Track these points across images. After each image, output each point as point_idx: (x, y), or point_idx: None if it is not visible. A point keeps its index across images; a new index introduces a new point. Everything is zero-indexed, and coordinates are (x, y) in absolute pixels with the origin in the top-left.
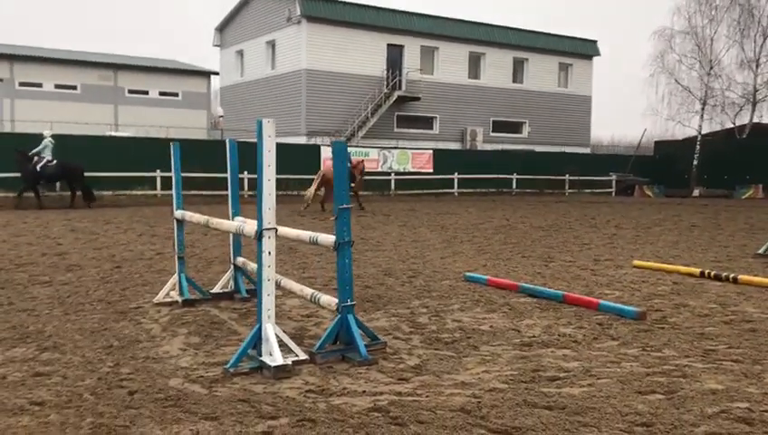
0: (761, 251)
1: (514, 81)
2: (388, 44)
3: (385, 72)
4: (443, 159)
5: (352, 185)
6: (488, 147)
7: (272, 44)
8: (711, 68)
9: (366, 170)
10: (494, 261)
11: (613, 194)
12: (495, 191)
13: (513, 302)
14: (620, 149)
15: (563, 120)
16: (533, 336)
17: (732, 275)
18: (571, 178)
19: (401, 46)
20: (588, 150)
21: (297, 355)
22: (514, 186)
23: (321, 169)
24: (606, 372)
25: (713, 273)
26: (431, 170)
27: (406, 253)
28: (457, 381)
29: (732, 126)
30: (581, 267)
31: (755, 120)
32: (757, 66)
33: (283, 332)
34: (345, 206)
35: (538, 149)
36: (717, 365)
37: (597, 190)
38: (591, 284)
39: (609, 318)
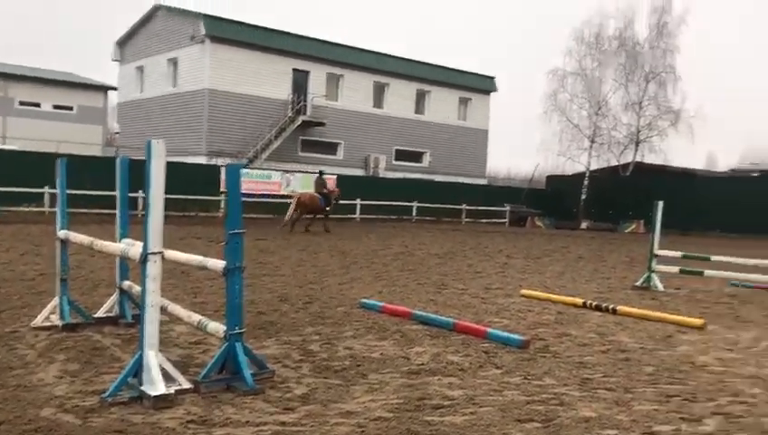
0: (638, 283)
1: (417, 111)
2: (293, 69)
3: (290, 96)
4: (346, 185)
5: (327, 209)
6: (390, 174)
7: (174, 62)
8: (599, 108)
9: (269, 193)
10: (391, 287)
11: (507, 224)
12: (396, 218)
13: (405, 329)
14: (515, 181)
15: (462, 151)
16: (422, 364)
17: (611, 306)
18: (468, 207)
19: (307, 72)
20: (485, 181)
21: (180, 384)
22: (414, 213)
23: (298, 193)
24: (488, 401)
25: (594, 303)
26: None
27: (304, 278)
28: (343, 411)
29: (617, 164)
30: (473, 295)
31: (638, 158)
32: (640, 108)
33: (168, 359)
34: (236, 231)
35: (438, 178)
36: (593, 393)
37: (492, 220)
38: (481, 312)
39: (496, 346)
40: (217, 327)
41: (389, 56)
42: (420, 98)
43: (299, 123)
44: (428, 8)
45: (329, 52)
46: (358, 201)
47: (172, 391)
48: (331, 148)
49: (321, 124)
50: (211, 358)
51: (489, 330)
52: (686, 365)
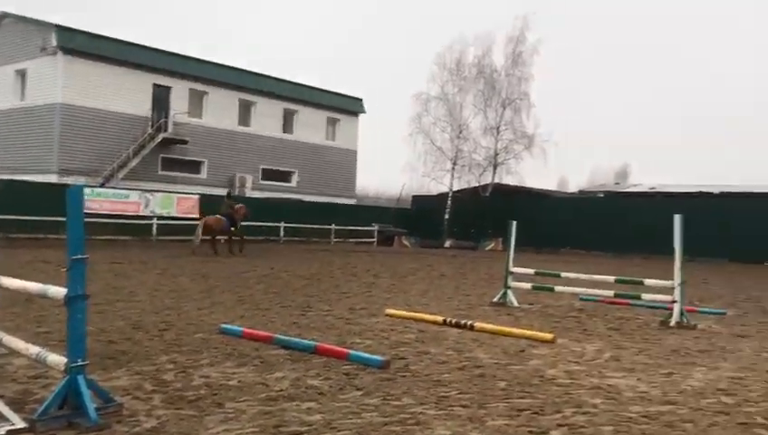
0: (495, 299)
1: (285, 131)
2: (154, 84)
3: (150, 112)
4: (211, 205)
5: (233, 229)
6: (257, 194)
7: (22, 74)
8: (460, 132)
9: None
10: (254, 311)
11: (375, 244)
12: (263, 239)
13: (265, 354)
14: (384, 201)
15: (331, 171)
16: (281, 390)
17: (469, 323)
18: (337, 227)
19: (169, 88)
20: (353, 201)
21: (13, 424)
22: (282, 234)
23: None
24: (346, 424)
25: (453, 321)
26: (197, 216)
27: (161, 304)
28: None
29: (477, 185)
30: (337, 317)
31: (496, 180)
32: (498, 133)
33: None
34: (79, 256)
35: (306, 198)
36: (448, 411)
37: (361, 240)
38: (345, 333)
39: (357, 368)
40: (58, 360)
41: (256, 74)
42: (288, 117)
43: (159, 141)
44: (305, 30)
45: (192, 67)
46: None
47: (3, 432)
48: (194, 166)
49: (184, 142)
50: (51, 393)
51: (351, 352)
52: (537, 379)
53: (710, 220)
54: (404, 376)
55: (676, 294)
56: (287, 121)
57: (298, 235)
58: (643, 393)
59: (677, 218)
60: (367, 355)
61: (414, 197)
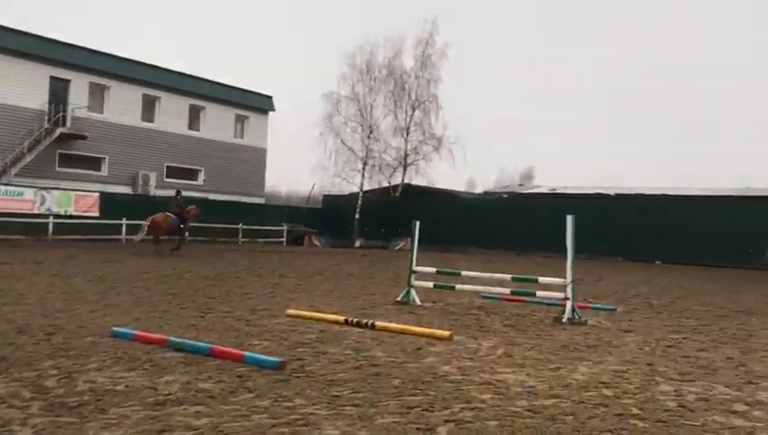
0: (399, 298)
1: (191, 128)
2: (51, 77)
3: (47, 106)
4: (111, 203)
5: (182, 226)
6: (162, 192)
7: None
8: (371, 132)
9: (22, 212)
10: (150, 313)
11: (285, 244)
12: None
13: (158, 357)
14: (295, 201)
15: (239, 169)
16: (169, 394)
17: (370, 322)
18: (245, 226)
19: (67, 81)
20: (263, 201)
21: None
22: (187, 233)
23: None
24: (234, 427)
25: (355, 320)
26: (97, 214)
27: (51, 306)
28: None
29: (388, 185)
30: (237, 318)
31: (406, 180)
32: (407, 134)
33: None
34: None
35: (213, 196)
36: (339, 411)
37: (270, 240)
38: (243, 335)
39: (252, 370)
40: None
41: (162, 69)
42: (195, 113)
43: (57, 136)
44: (221, 27)
45: (93, 60)
46: (124, 221)
47: None
48: (94, 163)
49: (83, 138)
50: None
51: (246, 353)
52: (430, 376)
53: (606, 220)
54: (299, 377)
55: (568, 292)
56: (193, 118)
57: (204, 234)
58: (530, 388)
59: (570, 219)
60: (262, 357)
61: (325, 196)
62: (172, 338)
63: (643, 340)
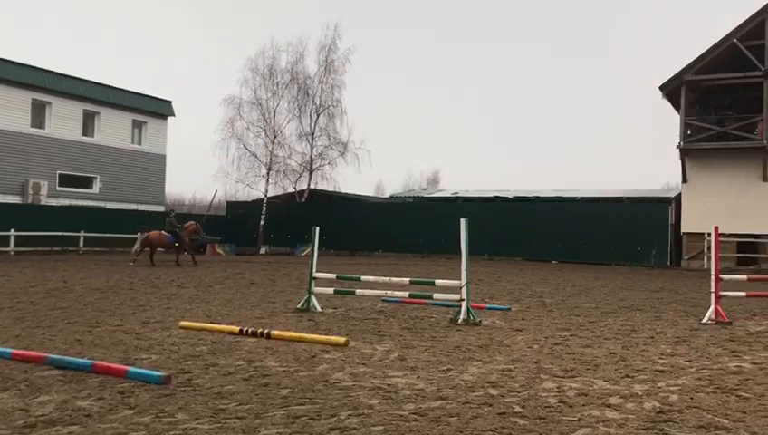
0: (299, 306)
1: (85, 134)
2: None
3: None
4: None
5: (176, 244)
6: (54, 202)
7: None
8: (275, 137)
9: None
10: (34, 329)
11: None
12: (60, 250)
13: (34, 377)
14: (198, 208)
15: (138, 177)
16: (42, 415)
17: (266, 331)
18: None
19: None
20: (162, 208)
21: None
22: (82, 244)
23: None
24: None
25: (250, 330)
26: None
27: None
28: None
29: (293, 190)
30: (127, 331)
31: (312, 185)
32: (312, 139)
33: None
34: None
35: (110, 205)
36: (222, 424)
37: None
38: (131, 349)
39: (135, 385)
40: None
41: (52, 72)
42: (89, 119)
43: None
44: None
45: None
46: (12, 232)
47: None
48: None
49: None
50: None
51: (130, 368)
52: (321, 384)
53: (505, 222)
54: (184, 391)
55: (463, 293)
56: (88, 124)
57: (100, 245)
58: (419, 391)
59: (463, 222)
60: (147, 371)
61: (229, 203)
62: (51, 355)
63: (533, 338)
